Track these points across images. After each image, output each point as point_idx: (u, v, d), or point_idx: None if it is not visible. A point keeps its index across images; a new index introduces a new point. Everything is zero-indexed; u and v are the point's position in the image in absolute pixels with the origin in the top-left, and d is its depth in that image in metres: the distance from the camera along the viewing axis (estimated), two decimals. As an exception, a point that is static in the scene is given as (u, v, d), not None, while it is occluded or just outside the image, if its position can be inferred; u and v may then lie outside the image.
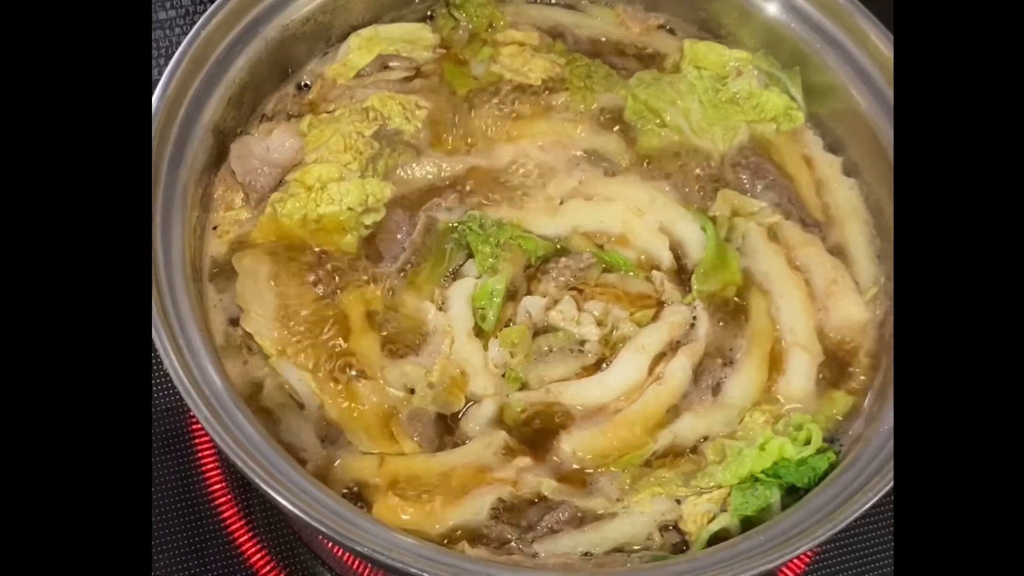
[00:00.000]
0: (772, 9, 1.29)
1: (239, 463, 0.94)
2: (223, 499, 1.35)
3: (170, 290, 1.04)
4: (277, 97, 1.26)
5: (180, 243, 1.09)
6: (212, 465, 1.37)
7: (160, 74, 1.10)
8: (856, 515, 0.96)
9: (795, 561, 1.36)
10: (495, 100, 1.27)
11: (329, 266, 1.16)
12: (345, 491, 1.06)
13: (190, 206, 1.13)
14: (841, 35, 1.25)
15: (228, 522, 1.35)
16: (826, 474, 1.06)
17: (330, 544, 1.28)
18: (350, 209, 1.18)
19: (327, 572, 1.35)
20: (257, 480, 0.94)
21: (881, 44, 1.22)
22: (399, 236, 1.19)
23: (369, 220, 1.19)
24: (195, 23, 1.14)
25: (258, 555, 1.34)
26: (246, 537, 1.34)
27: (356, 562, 1.29)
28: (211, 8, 1.14)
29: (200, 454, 1.36)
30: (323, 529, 0.92)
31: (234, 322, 1.13)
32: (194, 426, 1.37)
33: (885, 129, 1.22)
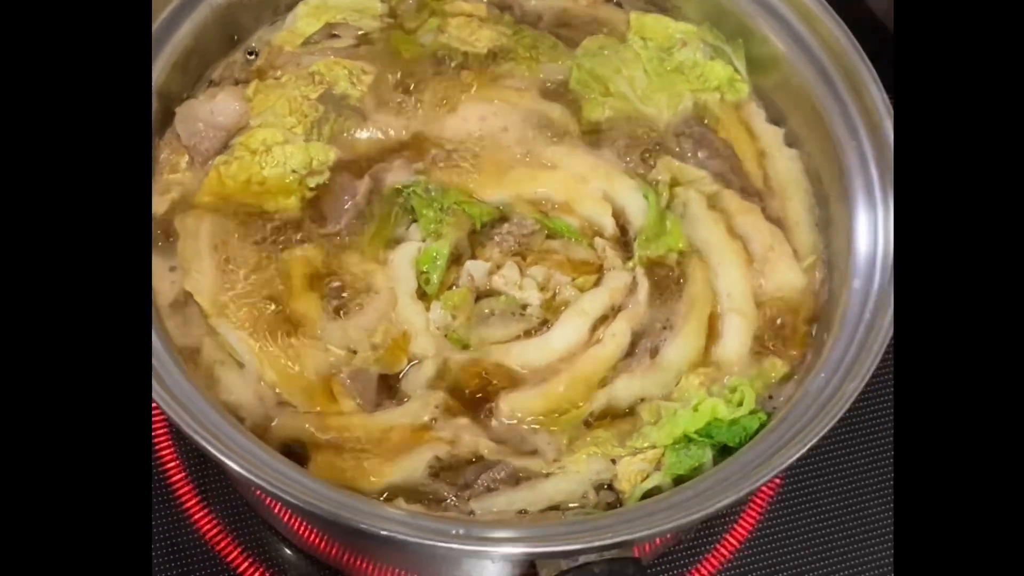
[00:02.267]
0: (716, -20, 1.30)
1: (175, 417, 0.95)
2: (172, 463, 1.36)
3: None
4: (225, 64, 1.27)
5: (123, 205, 1.09)
6: (162, 431, 1.38)
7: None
8: (781, 468, 0.98)
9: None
10: (441, 67, 1.29)
11: (272, 227, 1.17)
12: (283, 449, 1.07)
13: (134, 168, 1.14)
14: (783, 8, 1.27)
15: (177, 488, 1.36)
16: (756, 433, 1.08)
17: (277, 508, 1.29)
18: (294, 172, 1.19)
19: (277, 539, 1.36)
20: (193, 434, 0.95)
21: (822, 16, 1.24)
22: (344, 199, 1.20)
23: (313, 182, 1.20)
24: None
25: (208, 523, 1.35)
26: (196, 505, 1.36)
27: (304, 528, 1.30)
28: (154, -27, 1.15)
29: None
30: (259, 482, 0.93)
31: (175, 281, 1.14)
32: None
33: (824, 100, 1.23)
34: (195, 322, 1.12)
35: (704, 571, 1.37)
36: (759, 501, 1.41)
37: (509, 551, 0.95)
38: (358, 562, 1.29)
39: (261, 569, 1.33)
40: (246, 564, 1.33)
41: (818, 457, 1.43)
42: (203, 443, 0.94)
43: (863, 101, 1.20)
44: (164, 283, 1.13)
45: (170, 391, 0.98)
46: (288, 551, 1.36)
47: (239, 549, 1.34)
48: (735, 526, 1.39)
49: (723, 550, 1.38)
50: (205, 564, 1.33)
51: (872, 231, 1.15)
